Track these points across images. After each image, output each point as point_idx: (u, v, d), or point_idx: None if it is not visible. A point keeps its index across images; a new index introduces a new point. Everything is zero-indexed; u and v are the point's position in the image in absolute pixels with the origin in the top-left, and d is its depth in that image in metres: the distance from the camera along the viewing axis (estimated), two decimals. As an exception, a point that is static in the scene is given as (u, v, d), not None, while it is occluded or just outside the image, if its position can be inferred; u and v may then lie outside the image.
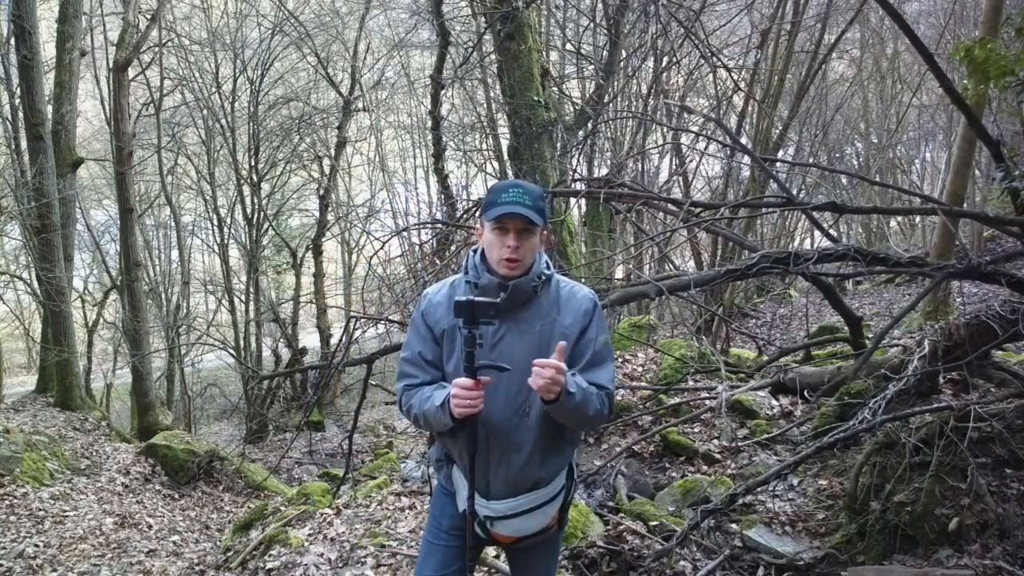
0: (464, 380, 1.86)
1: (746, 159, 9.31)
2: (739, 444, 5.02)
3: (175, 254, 17.44)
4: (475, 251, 2.04)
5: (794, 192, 8.01)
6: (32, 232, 9.81)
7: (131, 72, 11.85)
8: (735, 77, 10.25)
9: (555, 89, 9.95)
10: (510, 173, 8.99)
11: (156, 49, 12.95)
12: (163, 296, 16.30)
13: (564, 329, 1.97)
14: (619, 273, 8.15)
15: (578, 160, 9.93)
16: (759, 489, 4.03)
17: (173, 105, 15.02)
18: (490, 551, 3.56)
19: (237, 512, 7.15)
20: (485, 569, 3.57)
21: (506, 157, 9.66)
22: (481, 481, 2.04)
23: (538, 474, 2.02)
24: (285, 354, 15.66)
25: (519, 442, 1.98)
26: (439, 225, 8.64)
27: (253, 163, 14.62)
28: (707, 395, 5.63)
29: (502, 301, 1.93)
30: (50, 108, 9.94)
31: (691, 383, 6.18)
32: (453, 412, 1.87)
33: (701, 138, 10.52)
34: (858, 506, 3.63)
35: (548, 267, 2.03)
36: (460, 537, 2.13)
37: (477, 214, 2.39)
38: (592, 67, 10.97)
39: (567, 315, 1.99)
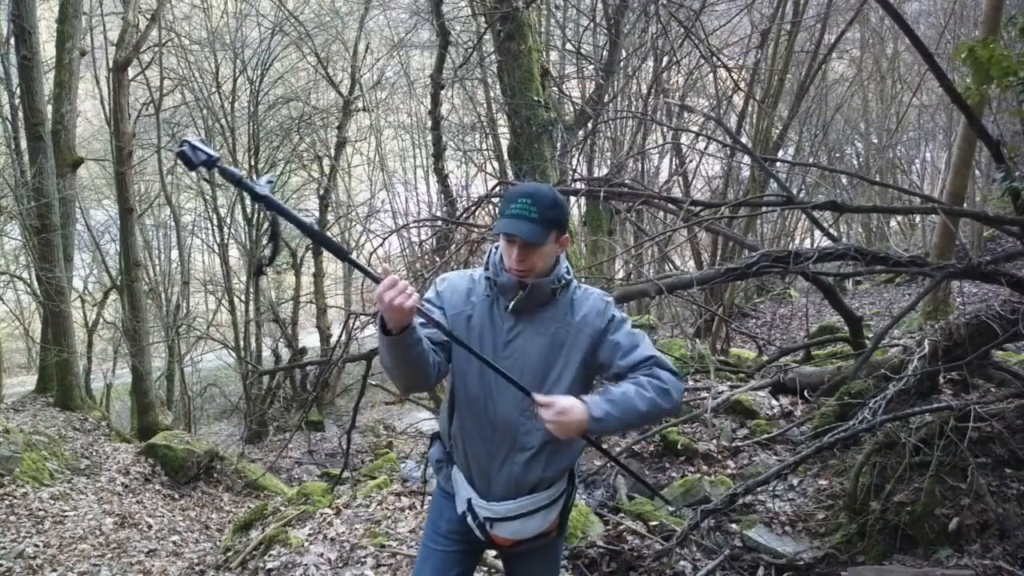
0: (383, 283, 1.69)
1: (746, 159, 9.32)
2: (739, 444, 5.02)
3: (175, 254, 17.43)
4: (497, 248, 2.02)
5: (794, 192, 8.01)
6: (32, 232, 9.81)
7: (131, 72, 11.84)
8: (735, 77, 10.26)
9: (555, 89, 9.95)
10: (510, 173, 8.99)
11: (156, 49, 12.93)
12: (163, 296, 16.29)
13: (579, 331, 1.96)
14: (619, 272, 8.16)
15: (578, 160, 9.93)
16: (759, 489, 4.03)
17: (173, 105, 15.01)
18: (490, 551, 3.56)
19: (237, 512, 7.15)
20: (485, 569, 3.57)
21: (506, 157, 9.66)
22: (482, 481, 2.02)
23: (541, 475, 2.00)
24: (285, 354, 15.65)
25: (525, 443, 1.97)
26: (438, 223, 8.64)
27: (253, 163, 14.60)
28: (707, 395, 5.63)
29: (518, 301, 1.93)
30: (50, 108, 9.93)
31: (691, 383, 6.18)
32: (386, 318, 1.71)
33: (701, 138, 10.54)
34: (858, 506, 3.62)
35: (568, 272, 2.01)
36: (458, 541, 2.11)
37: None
38: (592, 67, 10.97)
39: (581, 317, 1.97)
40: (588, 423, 1.79)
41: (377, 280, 1.71)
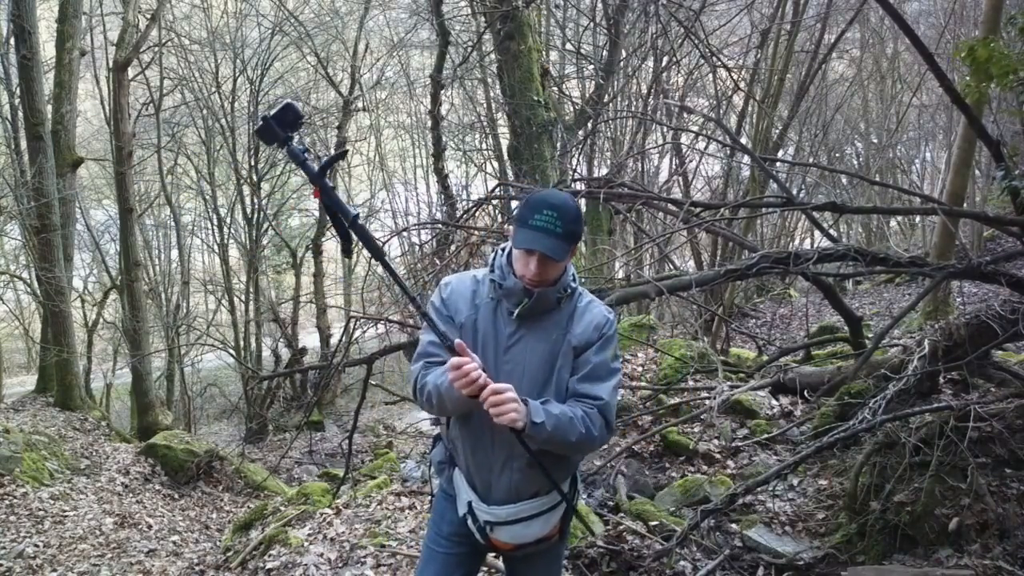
0: (453, 359, 1.77)
1: (746, 159, 9.31)
2: (739, 444, 5.01)
3: (175, 254, 17.45)
4: (503, 250, 2.00)
5: (794, 192, 8.02)
6: (32, 232, 9.81)
7: (131, 72, 11.85)
8: (735, 77, 10.25)
9: (555, 89, 9.95)
10: (510, 173, 9.00)
11: (156, 49, 12.95)
12: (163, 296, 16.30)
13: (573, 339, 1.95)
14: (619, 273, 8.16)
15: (578, 160, 9.94)
16: (759, 489, 4.02)
17: (173, 105, 15.02)
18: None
19: (237, 512, 7.15)
20: (485, 569, 3.56)
21: (506, 157, 9.67)
22: (483, 485, 2.01)
23: (541, 482, 1.99)
24: (285, 354, 15.66)
25: (522, 450, 1.95)
26: (439, 225, 8.63)
27: (253, 163, 14.62)
28: (707, 395, 5.62)
29: (523, 307, 1.91)
30: (50, 108, 9.94)
31: (691, 383, 6.18)
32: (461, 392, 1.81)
33: (701, 138, 10.53)
34: (858, 506, 3.62)
35: (574, 279, 2.00)
36: (460, 544, 2.11)
37: (507, 222, 2.36)
38: (592, 67, 10.97)
39: (579, 327, 1.96)
40: (525, 423, 1.80)
41: (416, 304, 1.95)
